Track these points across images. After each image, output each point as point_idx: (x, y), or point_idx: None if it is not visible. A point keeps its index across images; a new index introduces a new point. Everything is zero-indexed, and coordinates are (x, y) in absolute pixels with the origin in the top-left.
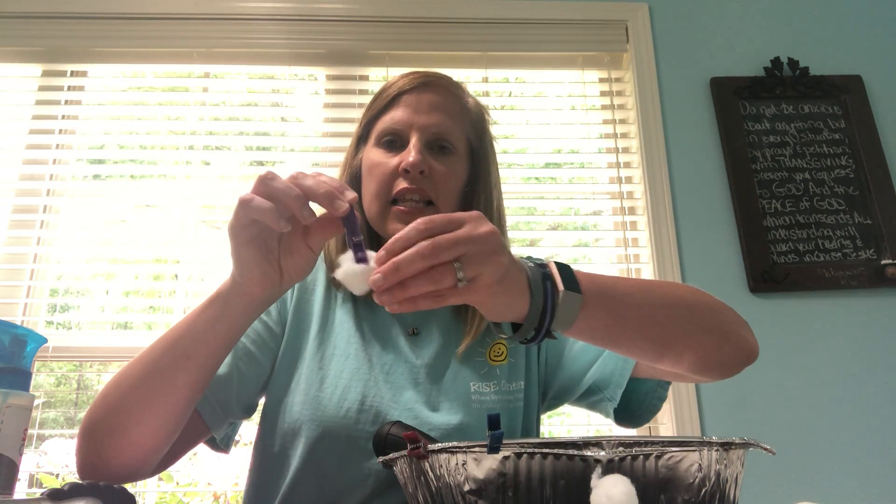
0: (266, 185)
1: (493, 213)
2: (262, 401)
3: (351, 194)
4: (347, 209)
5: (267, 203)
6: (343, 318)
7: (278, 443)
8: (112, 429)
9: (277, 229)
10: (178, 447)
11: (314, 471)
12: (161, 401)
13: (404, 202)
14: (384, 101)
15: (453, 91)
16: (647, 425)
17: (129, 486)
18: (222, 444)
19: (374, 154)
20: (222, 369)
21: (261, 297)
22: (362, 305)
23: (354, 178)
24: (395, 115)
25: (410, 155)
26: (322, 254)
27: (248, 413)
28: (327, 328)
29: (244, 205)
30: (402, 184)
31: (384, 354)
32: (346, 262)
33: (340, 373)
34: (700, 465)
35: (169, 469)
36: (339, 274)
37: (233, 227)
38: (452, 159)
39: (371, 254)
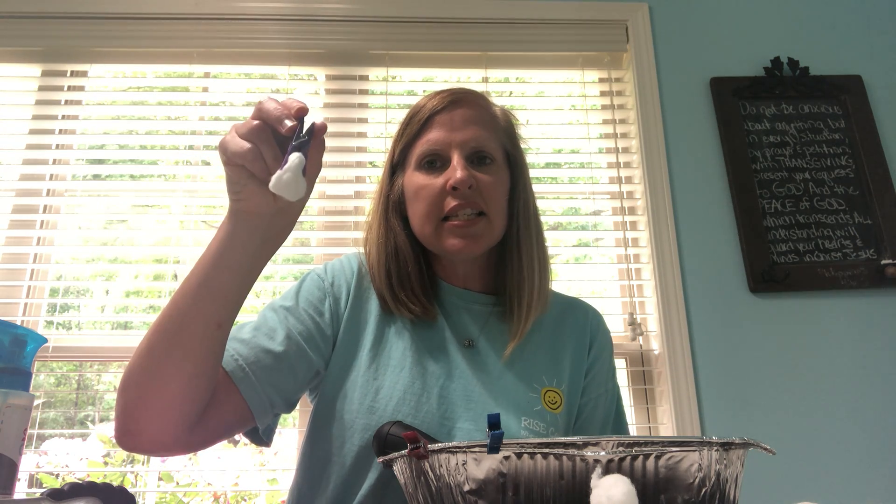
0: (240, 129)
1: (531, 214)
2: (300, 401)
3: (297, 105)
4: (291, 127)
5: (245, 146)
6: (399, 330)
7: (327, 446)
8: (138, 378)
9: (260, 174)
10: (217, 424)
11: (360, 476)
12: (178, 339)
13: (457, 217)
14: (417, 125)
15: (482, 103)
16: (647, 425)
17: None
18: (264, 435)
19: (417, 178)
20: (270, 360)
21: (260, 216)
22: (419, 318)
23: (395, 205)
24: (432, 137)
25: (457, 172)
26: (366, 268)
27: (290, 408)
28: (383, 339)
29: (223, 149)
30: (452, 201)
31: (439, 369)
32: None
33: (395, 384)
34: (700, 465)
35: (169, 469)
36: (271, 185)
37: (220, 152)
38: (494, 168)
39: (294, 158)
